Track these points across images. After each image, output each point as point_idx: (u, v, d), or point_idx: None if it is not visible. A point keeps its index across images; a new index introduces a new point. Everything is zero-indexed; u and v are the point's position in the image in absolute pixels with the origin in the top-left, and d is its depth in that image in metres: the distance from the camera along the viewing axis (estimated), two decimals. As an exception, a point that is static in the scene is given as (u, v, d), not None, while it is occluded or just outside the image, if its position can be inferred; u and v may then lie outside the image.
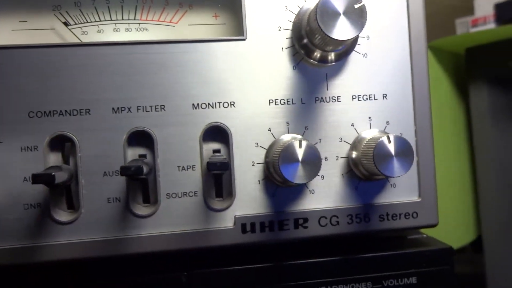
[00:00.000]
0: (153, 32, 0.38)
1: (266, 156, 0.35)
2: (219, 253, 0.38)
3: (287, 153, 0.32)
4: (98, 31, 0.38)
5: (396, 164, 0.33)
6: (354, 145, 0.36)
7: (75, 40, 0.37)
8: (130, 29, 0.38)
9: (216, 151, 0.36)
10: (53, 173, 0.30)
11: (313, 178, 0.32)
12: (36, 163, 0.34)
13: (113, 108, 0.35)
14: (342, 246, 0.39)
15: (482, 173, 0.85)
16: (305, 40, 0.35)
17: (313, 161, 0.32)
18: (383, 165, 0.33)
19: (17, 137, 0.34)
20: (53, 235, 0.34)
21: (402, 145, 0.33)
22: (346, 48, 0.37)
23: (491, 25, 0.83)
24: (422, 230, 0.43)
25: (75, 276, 0.36)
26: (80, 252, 0.34)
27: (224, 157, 0.35)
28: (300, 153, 0.32)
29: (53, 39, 0.37)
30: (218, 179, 0.36)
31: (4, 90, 0.34)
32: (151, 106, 0.35)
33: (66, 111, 0.34)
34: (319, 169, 0.32)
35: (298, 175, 0.32)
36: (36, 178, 0.30)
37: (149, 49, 0.35)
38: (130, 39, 0.37)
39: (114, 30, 0.38)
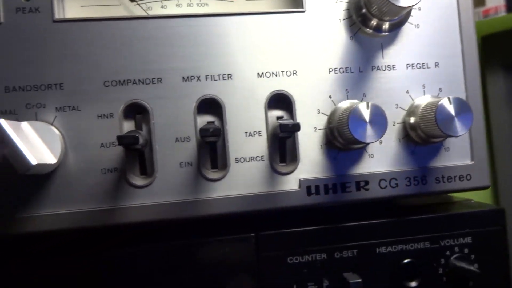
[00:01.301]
0: (213, 7, 0.40)
1: (329, 122, 0.37)
2: (283, 216, 0.39)
3: (356, 115, 0.34)
4: (162, 7, 0.39)
5: (457, 124, 0.35)
6: (411, 111, 0.38)
7: (142, 14, 0.39)
8: (191, 5, 0.40)
9: (279, 117, 0.38)
10: (137, 135, 0.32)
11: (382, 136, 0.34)
12: (112, 130, 0.35)
13: (183, 77, 0.36)
14: (397, 210, 0.41)
15: (500, 157, 0.87)
16: (364, 10, 0.37)
17: (380, 120, 0.34)
18: (446, 126, 0.35)
19: (94, 105, 0.35)
20: (130, 198, 0.35)
21: (461, 105, 0.35)
22: (400, 19, 0.38)
23: (502, 15, 0.85)
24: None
25: (149, 237, 0.37)
26: (155, 214, 0.36)
27: (292, 120, 0.36)
28: (367, 113, 0.34)
29: (120, 14, 0.38)
30: (282, 145, 0.38)
31: (81, 61, 0.35)
32: (219, 75, 0.37)
33: (139, 80, 0.36)
34: (386, 127, 0.34)
35: (368, 135, 0.33)
36: (122, 140, 0.32)
37: (213, 21, 0.37)
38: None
39: (176, 5, 0.40)
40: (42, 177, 0.34)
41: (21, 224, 0.34)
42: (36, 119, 0.35)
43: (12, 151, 0.30)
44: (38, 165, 0.30)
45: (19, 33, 0.35)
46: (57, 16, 0.35)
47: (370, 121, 0.34)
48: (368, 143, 0.36)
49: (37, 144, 0.32)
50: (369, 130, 0.34)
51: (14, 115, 0.34)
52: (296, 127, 0.34)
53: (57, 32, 0.35)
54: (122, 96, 0.36)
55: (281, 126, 0.34)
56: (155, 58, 0.36)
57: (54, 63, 0.35)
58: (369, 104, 0.34)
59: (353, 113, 0.34)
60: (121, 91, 0.36)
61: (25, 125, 0.33)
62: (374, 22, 0.38)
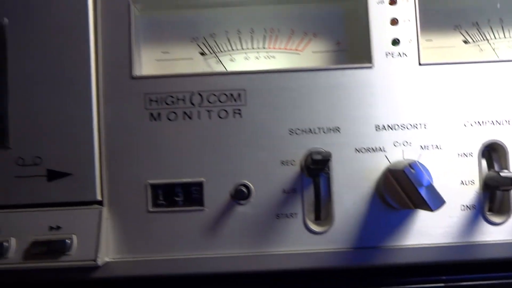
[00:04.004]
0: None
1: None
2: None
3: None
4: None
5: None
6: None
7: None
8: None
9: None
10: (528, 178, 0.34)
11: None
12: (471, 168, 0.37)
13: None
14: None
15: None
16: None
17: None
18: None
19: (455, 144, 0.37)
20: (488, 235, 0.37)
21: None
22: None
23: None
24: None
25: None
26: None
27: None
28: None
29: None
30: None
31: (442, 103, 0.37)
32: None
33: (497, 121, 0.37)
34: None
35: None
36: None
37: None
38: None
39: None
40: (406, 211, 0.37)
41: (384, 255, 0.37)
42: (403, 157, 0.37)
43: (431, 190, 0.32)
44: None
45: (388, 76, 0.37)
46: (423, 60, 0.38)
47: None
48: None
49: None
50: None
51: (383, 152, 0.37)
52: None
53: (423, 75, 0.37)
54: (482, 136, 0.37)
55: None
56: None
57: (419, 104, 0.37)
58: None
59: None
60: (479, 131, 0.37)
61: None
62: None
